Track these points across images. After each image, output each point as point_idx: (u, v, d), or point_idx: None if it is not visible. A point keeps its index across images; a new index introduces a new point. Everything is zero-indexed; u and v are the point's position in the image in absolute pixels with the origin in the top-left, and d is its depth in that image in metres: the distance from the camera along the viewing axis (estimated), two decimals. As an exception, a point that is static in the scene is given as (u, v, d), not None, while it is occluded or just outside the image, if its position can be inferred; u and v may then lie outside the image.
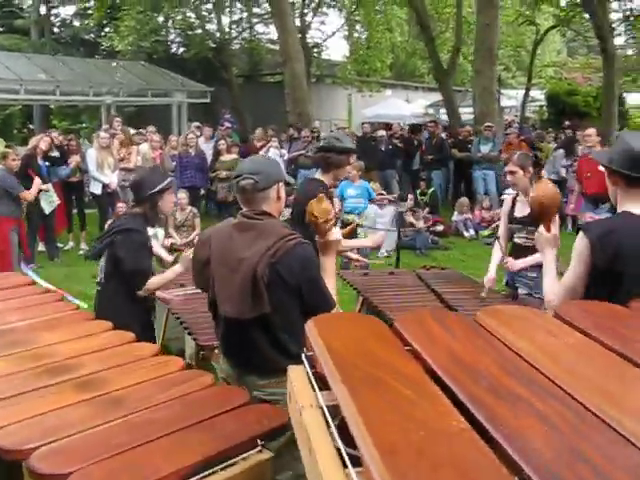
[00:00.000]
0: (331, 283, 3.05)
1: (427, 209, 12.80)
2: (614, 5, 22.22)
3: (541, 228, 3.06)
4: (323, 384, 1.76)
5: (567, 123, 18.71)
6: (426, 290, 5.28)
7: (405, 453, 1.30)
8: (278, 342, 2.88)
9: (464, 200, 13.04)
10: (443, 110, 25.38)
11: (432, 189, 13.34)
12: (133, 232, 3.98)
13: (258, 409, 2.24)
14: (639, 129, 20.44)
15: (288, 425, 2.16)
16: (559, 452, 1.32)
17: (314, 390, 1.77)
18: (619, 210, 2.76)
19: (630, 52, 24.78)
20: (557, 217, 3.15)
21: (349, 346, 1.83)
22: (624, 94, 23.75)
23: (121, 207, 9.41)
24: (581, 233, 2.73)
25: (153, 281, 4.03)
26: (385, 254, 10.64)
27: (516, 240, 5.10)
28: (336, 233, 3.13)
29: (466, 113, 23.96)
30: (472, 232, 12.49)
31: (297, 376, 1.87)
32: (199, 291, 4.77)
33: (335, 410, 1.61)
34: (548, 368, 1.68)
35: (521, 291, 5.02)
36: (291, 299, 2.87)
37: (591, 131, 10.24)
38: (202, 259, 3.02)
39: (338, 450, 1.48)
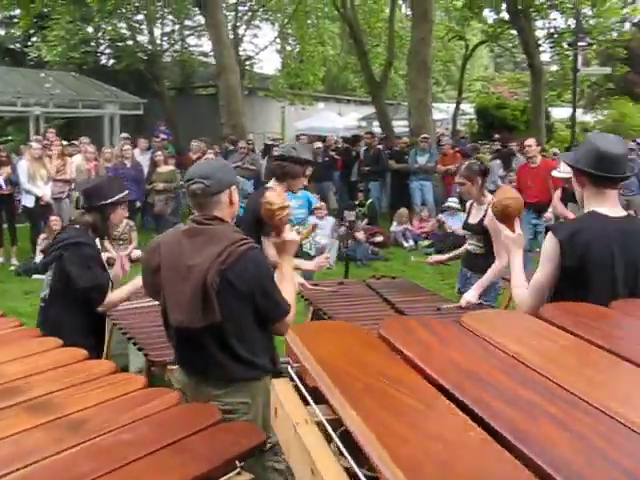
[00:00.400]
0: (289, 287, 2.96)
1: (366, 220, 12.80)
2: (539, 23, 22.96)
3: (506, 230, 3.06)
4: (313, 397, 1.63)
5: (497, 136, 19.19)
6: (378, 299, 5.18)
7: (430, 470, 1.18)
8: (231, 350, 2.78)
9: (403, 211, 13.09)
10: (376, 123, 25.64)
11: (370, 200, 13.35)
12: (82, 246, 3.74)
13: (233, 428, 2.08)
14: (564, 142, 21.03)
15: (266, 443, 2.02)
16: (589, 459, 1.23)
17: (305, 404, 1.63)
18: (586, 210, 2.75)
19: (555, 68, 25.51)
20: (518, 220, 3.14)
21: (339, 356, 1.72)
22: (549, 108, 24.47)
23: (55, 221, 9.05)
24: (550, 234, 2.72)
25: (114, 296, 3.83)
26: (328, 266, 10.55)
27: (468, 247, 5.14)
28: (292, 234, 3.04)
29: (399, 126, 24.27)
30: (411, 242, 12.52)
31: (283, 390, 1.74)
32: (145, 304, 4.61)
33: (333, 425, 1.48)
34: (550, 371, 1.62)
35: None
36: (243, 306, 2.76)
37: (531, 141, 10.41)
38: (152, 266, 2.90)
39: (346, 469, 1.35)
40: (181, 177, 11.26)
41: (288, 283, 2.99)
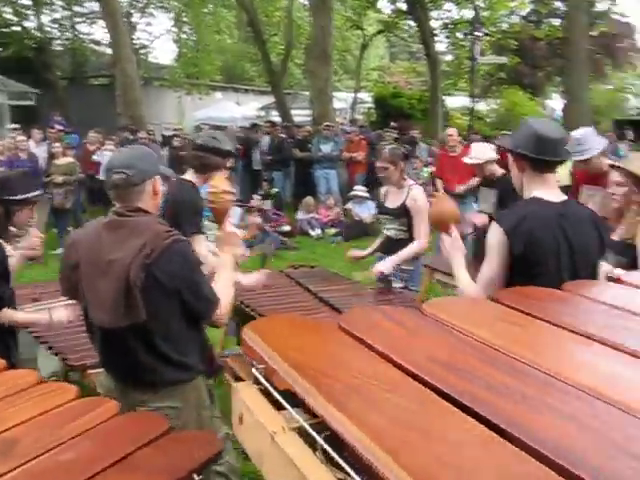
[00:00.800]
0: (228, 278, 2.85)
1: (272, 210, 12.66)
2: (434, 14, 23.42)
3: (443, 236, 3.02)
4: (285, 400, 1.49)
5: (393, 124, 19.50)
6: (300, 289, 5.07)
7: (445, 476, 1.08)
8: (158, 351, 2.61)
9: (309, 199, 13.02)
10: (275, 112, 25.54)
11: (275, 190, 13.23)
12: None
13: (184, 438, 1.90)
14: (460, 129, 21.49)
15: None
16: (600, 448, 1.16)
17: (278, 409, 1.50)
18: (527, 196, 2.72)
19: (450, 57, 26.15)
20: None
21: (308, 353, 1.59)
22: (443, 97, 25.02)
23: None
24: (494, 224, 2.67)
25: (16, 316, 3.49)
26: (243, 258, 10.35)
27: (387, 232, 5.07)
28: (233, 227, 2.93)
29: (298, 115, 24.25)
30: (318, 231, 12.48)
31: (249, 395, 1.59)
32: (57, 304, 4.26)
33: (316, 430, 1.35)
34: (526, 356, 1.55)
35: (396, 285, 4.93)
36: (170, 303, 2.58)
37: (452, 131, 10.54)
38: (70, 263, 2.68)
39: (340, 480, 1.23)
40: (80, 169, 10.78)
41: (227, 273, 2.87)
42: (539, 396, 1.36)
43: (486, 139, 15.45)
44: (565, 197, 2.73)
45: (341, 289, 5.08)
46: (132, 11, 23.70)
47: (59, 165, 10.32)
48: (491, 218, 3.27)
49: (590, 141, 4.86)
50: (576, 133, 5.02)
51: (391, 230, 5.02)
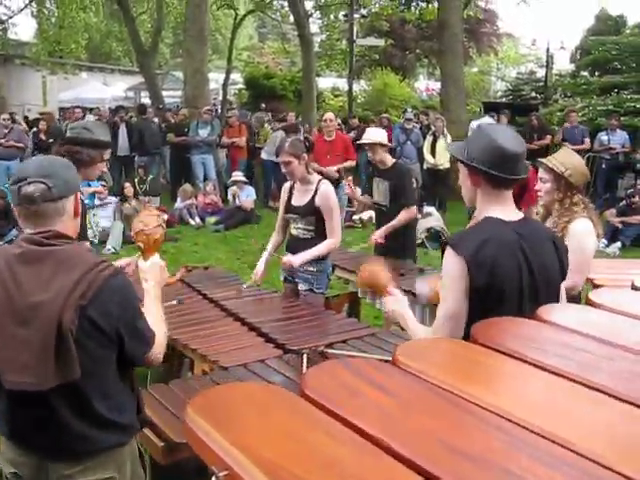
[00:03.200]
0: (157, 311, 2.43)
1: (148, 198, 12.03)
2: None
3: (386, 299, 2.75)
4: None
5: (263, 106, 19.25)
6: (196, 296, 4.69)
7: None
8: (91, 412, 2.11)
9: (187, 186, 12.49)
10: (144, 93, 24.55)
11: (151, 176, 12.59)
12: None
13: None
14: (333, 111, 21.56)
15: None
16: None
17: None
18: (482, 214, 2.39)
19: (323, 37, 26.04)
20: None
21: (281, 447, 1.21)
22: (316, 78, 24.96)
23: None
24: (450, 250, 2.29)
25: None
26: (112, 250, 9.77)
27: (293, 231, 4.71)
28: (157, 257, 2.57)
29: (168, 97, 23.45)
30: (198, 220, 11.98)
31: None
32: None
33: None
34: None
35: (302, 287, 4.64)
36: (107, 352, 2.12)
37: (330, 115, 10.37)
38: None
39: None
40: None
41: (156, 305, 2.44)
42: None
43: (362, 122, 15.57)
44: (521, 215, 2.43)
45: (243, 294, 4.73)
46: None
47: None
48: (444, 243, 2.97)
49: None
50: (474, 123, 4.92)
51: (298, 229, 4.66)
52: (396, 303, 2.69)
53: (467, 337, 2.11)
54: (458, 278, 2.25)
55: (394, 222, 5.57)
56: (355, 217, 11.11)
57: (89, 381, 2.07)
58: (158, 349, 2.29)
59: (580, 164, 3.59)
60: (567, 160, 3.53)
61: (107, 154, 3.93)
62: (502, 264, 2.25)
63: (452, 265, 2.27)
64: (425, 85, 30.32)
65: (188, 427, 1.30)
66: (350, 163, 10.31)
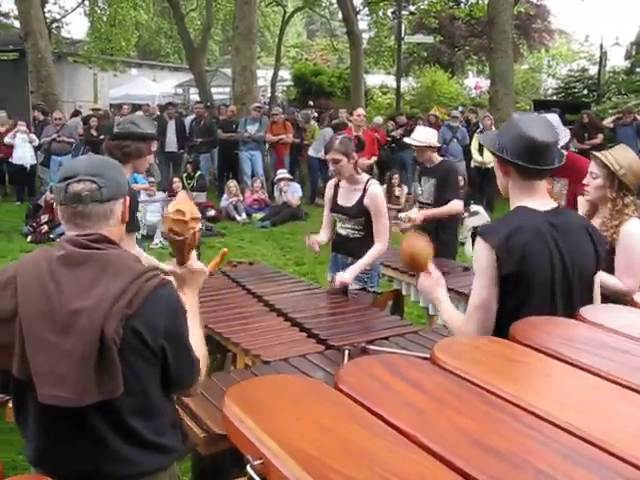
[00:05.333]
0: (198, 331, 2.21)
1: (196, 193, 12.16)
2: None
3: (422, 276, 2.68)
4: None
5: (311, 103, 19.29)
6: (241, 292, 4.71)
7: None
8: (133, 433, 1.93)
9: (232, 182, 12.60)
10: (193, 90, 24.85)
11: (199, 173, 12.72)
12: None
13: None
14: (380, 108, 21.50)
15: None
16: None
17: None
18: (514, 204, 2.39)
19: (371, 34, 25.98)
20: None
21: (318, 441, 1.20)
22: (364, 75, 24.91)
23: None
24: (480, 240, 2.29)
25: None
26: (160, 245, 9.90)
27: (341, 231, 4.62)
28: (198, 262, 2.34)
29: (217, 94, 23.67)
30: (244, 216, 12.04)
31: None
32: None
33: None
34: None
35: (353, 286, 4.54)
36: (150, 368, 1.93)
37: (361, 111, 10.36)
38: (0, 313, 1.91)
39: None
40: None
41: (197, 326, 2.21)
42: None
43: (411, 120, 15.48)
44: (555, 204, 2.42)
45: (287, 291, 4.73)
46: (41, -18, 22.44)
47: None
48: (474, 233, 2.94)
49: (559, 130, 4.56)
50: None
51: (346, 229, 4.58)
52: (435, 285, 2.63)
53: (500, 327, 2.10)
54: (487, 268, 2.27)
55: (437, 210, 5.48)
56: (401, 215, 11.06)
57: (131, 399, 1.91)
58: (200, 378, 2.13)
59: (636, 165, 3.39)
60: (623, 159, 3.35)
61: (154, 146, 4.02)
62: (533, 252, 2.25)
63: (481, 254, 2.29)
64: (474, 82, 29.97)
65: (225, 416, 1.32)
66: (371, 161, 10.63)
